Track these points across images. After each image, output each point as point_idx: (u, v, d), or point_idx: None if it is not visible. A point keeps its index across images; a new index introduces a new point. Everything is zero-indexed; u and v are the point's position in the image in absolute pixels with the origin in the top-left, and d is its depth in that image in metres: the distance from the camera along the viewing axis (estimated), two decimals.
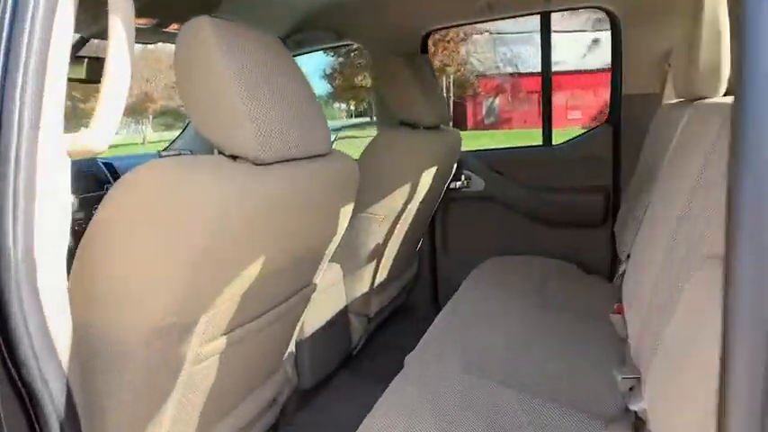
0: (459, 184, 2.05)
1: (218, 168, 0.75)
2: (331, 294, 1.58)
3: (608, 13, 1.78)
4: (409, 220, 1.74)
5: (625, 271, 1.25)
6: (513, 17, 1.95)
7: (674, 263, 0.78)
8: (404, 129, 1.74)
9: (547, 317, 1.36)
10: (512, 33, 15.81)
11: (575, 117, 15.61)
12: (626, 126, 1.78)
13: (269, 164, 0.81)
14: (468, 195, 2.07)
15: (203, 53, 0.76)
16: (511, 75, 16.20)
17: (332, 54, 16.69)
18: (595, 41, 15.13)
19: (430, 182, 1.70)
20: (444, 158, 1.77)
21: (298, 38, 2.12)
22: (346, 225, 1.14)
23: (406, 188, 1.60)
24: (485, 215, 2.08)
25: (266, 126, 0.79)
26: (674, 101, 1.39)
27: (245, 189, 0.75)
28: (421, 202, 1.74)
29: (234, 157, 0.80)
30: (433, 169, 1.68)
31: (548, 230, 1.98)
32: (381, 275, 1.78)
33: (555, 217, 1.95)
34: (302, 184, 0.89)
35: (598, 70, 15.24)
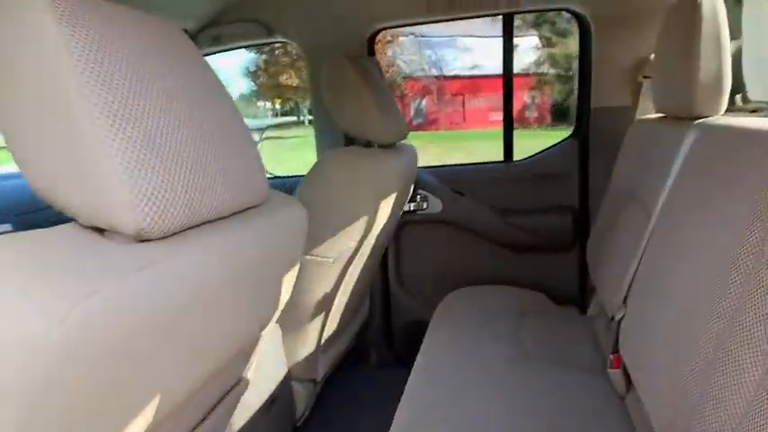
0: (414, 205, 1.80)
1: (60, 259, 0.42)
2: (268, 362, 1.27)
3: (577, 16, 1.64)
4: (364, 259, 1.48)
5: (622, 318, 1.07)
6: (474, 17, 1.79)
7: (735, 350, 0.60)
8: (355, 148, 1.48)
9: (531, 373, 1.18)
10: (436, 37, 16.23)
11: (496, 119, 16.30)
12: (594, 141, 1.67)
13: (164, 237, 0.48)
14: (424, 219, 1.83)
15: (37, 47, 0.43)
16: (436, 77, 16.60)
17: (255, 50, 16.23)
18: (513, 47, 15.89)
19: (389, 212, 1.44)
20: (403, 182, 1.52)
21: (214, 32, 1.77)
22: (291, 290, 0.84)
23: (362, 222, 1.33)
24: (443, 241, 1.87)
25: (158, 175, 0.46)
26: (655, 116, 1.29)
27: (119, 291, 0.41)
28: (377, 237, 1.47)
29: (99, 230, 0.47)
30: (392, 196, 1.42)
31: (512, 256, 1.82)
32: (330, 329, 1.50)
33: (520, 241, 1.79)
34: (225, 257, 0.57)
35: (515, 75, 15.99)
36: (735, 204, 0.68)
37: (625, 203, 1.23)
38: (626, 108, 1.59)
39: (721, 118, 1.00)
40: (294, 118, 21.37)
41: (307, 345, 1.42)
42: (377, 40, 1.82)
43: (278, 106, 22.83)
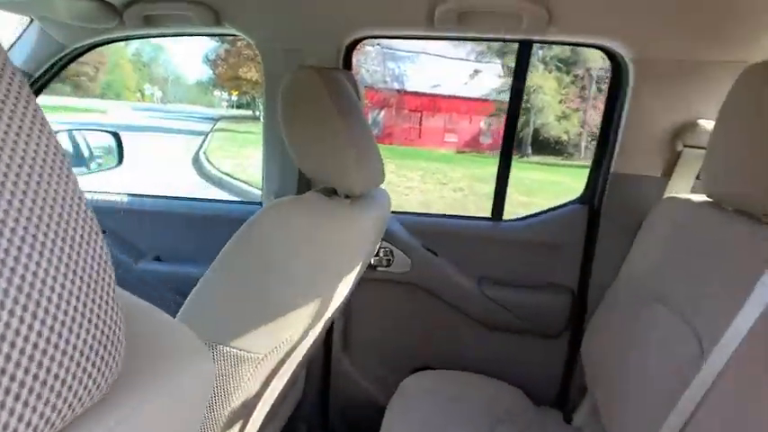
0: (375, 260, 1.44)
1: None
2: None
3: (612, 58, 1.30)
4: (308, 345, 1.06)
5: None
6: (485, 40, 1.43)
7: None
8: (311, 198, 1.04)
9: None
10: (401, 51, 16.43)
11: (451, 140, 16.65)
12: (608, 212, 1.34)
13: None
14: (386, 278, 1.48)
15: None
16: (397, 91, 16.78)
17: (217, 38, 15.77)
18: (476, 72, 16.34)
19: (350, 286, 1.07)
20: (372, 242, 1.12)
21: (145, 10, 1.33)
22: None
23: (313, 306, 0.94)
24: (406, 307, 1.52)
25: None
26: (697, 198, 1.05)
27: None
28: (327, 320, 1.11)
29: None
30: (357, 268, 1.04)
31: (487, 335, 1.50)
32: None
33: (500, 319, 1.46)
34: None
35: (475, 99, 16.48)
36: None
37: (650, 305, 0.98)
38: (654, 179, 1.27)
39: None
40: (249, 112, 20.96)
41: None
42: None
43: (234, 98, 22.29)
